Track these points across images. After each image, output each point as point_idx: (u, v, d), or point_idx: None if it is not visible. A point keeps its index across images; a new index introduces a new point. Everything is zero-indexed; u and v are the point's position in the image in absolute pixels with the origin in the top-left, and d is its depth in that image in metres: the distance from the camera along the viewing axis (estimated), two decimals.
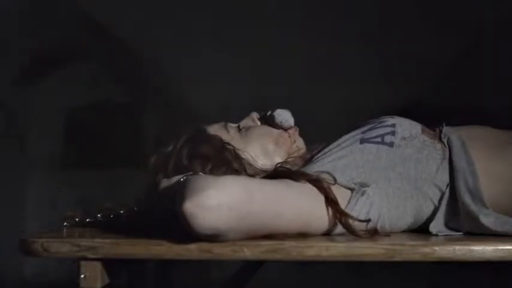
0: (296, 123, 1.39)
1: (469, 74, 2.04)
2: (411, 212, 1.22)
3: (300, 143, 1.36)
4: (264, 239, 1.08)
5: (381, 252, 1.08)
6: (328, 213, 1.14)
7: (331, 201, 1.13)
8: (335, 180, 1.17)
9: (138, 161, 2.10)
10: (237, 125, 1.35)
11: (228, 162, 1.24)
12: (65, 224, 1.25)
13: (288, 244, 1.07)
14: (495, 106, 1.90)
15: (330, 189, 1.14)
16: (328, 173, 1.18)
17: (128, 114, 2.23)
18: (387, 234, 1.18)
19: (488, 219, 1.17)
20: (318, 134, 1.36)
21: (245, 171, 1.26)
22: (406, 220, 1.22)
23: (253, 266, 1.52)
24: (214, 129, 1.32)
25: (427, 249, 1.08)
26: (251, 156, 1.28)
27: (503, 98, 1.96)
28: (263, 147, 1.32)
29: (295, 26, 2.12)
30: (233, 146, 1.28)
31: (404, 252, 1.08)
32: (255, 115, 1.38)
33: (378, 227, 1.17)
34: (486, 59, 2.04)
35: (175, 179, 1.19)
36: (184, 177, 1.16)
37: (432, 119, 1.41)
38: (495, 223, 1.17)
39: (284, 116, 1.36)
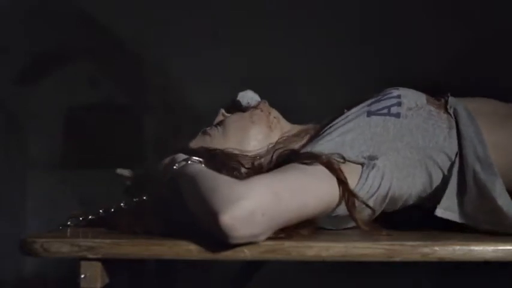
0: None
1: (469, 73, 2.04)
2: (420, 180, 1.23)
3: (275, 113, 1.38)
4: (264, 239, 1.08)
5: (380, 252, 1.08)
6: (339, 193, 1.15)
7: (341, 182, 1.15)
8: (344, 158, 1.18)
9: (138, 161, 2.11)
10: (212, 126, 1.36)
11: (223, 165, 1.25)
12: (68, 223, 1.25)
13: (287, 244, 1.08)
14: None
15: (340, 170, 1.15)
16: (337, 153, 1.19)
17: (128, 114, 2.23)
18: (389, 234, 1.18)
19: (500, 191, 1.17)
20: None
21: (242, 165, 1.26)
22: (416, 188, 1.24)
23: (253, 266, 1.52)
24: (196, 143, 1.34)
25: (426, 249, 1.08)
26: (238, 149, 1.29)
27: (504, 97, 1.96)
28: (242, 131, 1.32)
29: (296, 26, 2.13)
30: (219, 149, 1.29)
31: (404, 252, 1.08)
32: (222, 110, 1.39)
33: (389, 196, 1.20)
34: (486, 57, 2.04)
35: (174, 160, 1.20)
36: (177, 165, 1.17)
37: None
38: (506, 202, 1.17)
39: (248, 95, 1.37)
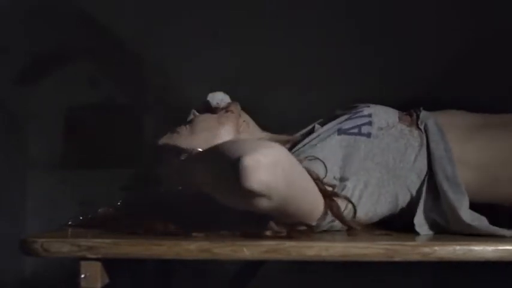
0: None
1: (469, 73, 2.04)
2: (386, 199, 1.25)
3: (245, 117, 1.39)
4: (264, 239, 1.09)
5: (380, 252, 1.08)
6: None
7: (320, 189, 1.17)
8: (326, 171, 1.19)
9: (138, 161, 2.11)
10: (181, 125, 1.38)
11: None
12: (70, 222, 1.25)
13: (287, 244, 1.08)
14: (494, 104, 1.90)
15: (319, 179, 1.17)
16: (320, 160, 1.21)
17: (128, 114, 2.23)
18: (389, 234, 1.19)
19: (465, 210, 1.19)
20: None
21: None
22: (381, 207, 1.25)
23: (254, 266, 1.52)
24: (163, 140, 1.36)
25: (427, 249, 1.08)
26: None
27: (504, 97, 1.96)
28: (209, 131, 1.34)
29: (296, 26, 2.13)
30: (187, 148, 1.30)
31: (404, 252, 1.08)
32: (193, 110, 1.41)
33: (357, 216, 1.23)
34: (486, 57, 2.04)
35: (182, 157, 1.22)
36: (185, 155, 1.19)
37: None
38: (474, 218, 1.19)
39: (217, 96, 1.38)
